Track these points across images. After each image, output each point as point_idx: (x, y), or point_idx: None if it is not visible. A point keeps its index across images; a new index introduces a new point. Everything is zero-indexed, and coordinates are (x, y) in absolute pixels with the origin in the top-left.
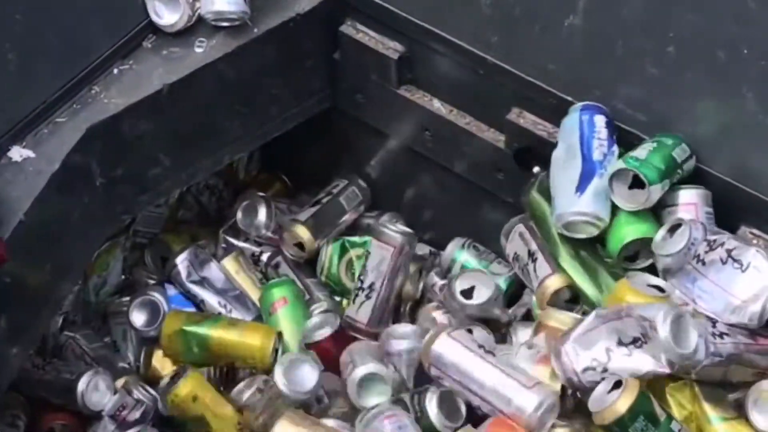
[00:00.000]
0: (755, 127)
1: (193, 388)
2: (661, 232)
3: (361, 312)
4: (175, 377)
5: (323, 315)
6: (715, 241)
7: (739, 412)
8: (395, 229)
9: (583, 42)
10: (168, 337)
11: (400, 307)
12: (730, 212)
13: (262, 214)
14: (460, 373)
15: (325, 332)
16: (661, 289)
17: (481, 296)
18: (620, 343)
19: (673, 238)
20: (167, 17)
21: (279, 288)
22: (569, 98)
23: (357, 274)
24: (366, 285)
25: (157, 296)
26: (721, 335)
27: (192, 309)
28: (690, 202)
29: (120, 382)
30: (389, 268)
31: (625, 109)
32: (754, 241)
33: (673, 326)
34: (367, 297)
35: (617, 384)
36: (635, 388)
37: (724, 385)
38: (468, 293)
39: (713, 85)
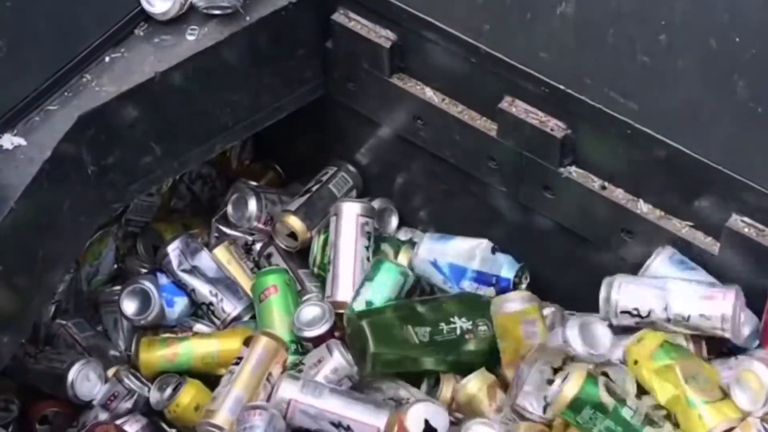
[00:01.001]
0: (746, 115)
1: (193, 398)
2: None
3: (326, 288)
4: (175, 388)
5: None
6: None
7: (727, 393)
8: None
9: (575, 30)
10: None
11: None
12: (722, 201)
13: (252, 206)
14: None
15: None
16: None
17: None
18: None
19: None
20: (159, 5)
21: (270, 276)
22: (561, 86)
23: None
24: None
25: (147, 284)
26: None
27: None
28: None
29: (111, 372)
30: (335, 236)
31: (616, 97)
32: (746, 230)
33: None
34: (328, 271)
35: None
36: (580, 378)
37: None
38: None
39: (705, 73)
